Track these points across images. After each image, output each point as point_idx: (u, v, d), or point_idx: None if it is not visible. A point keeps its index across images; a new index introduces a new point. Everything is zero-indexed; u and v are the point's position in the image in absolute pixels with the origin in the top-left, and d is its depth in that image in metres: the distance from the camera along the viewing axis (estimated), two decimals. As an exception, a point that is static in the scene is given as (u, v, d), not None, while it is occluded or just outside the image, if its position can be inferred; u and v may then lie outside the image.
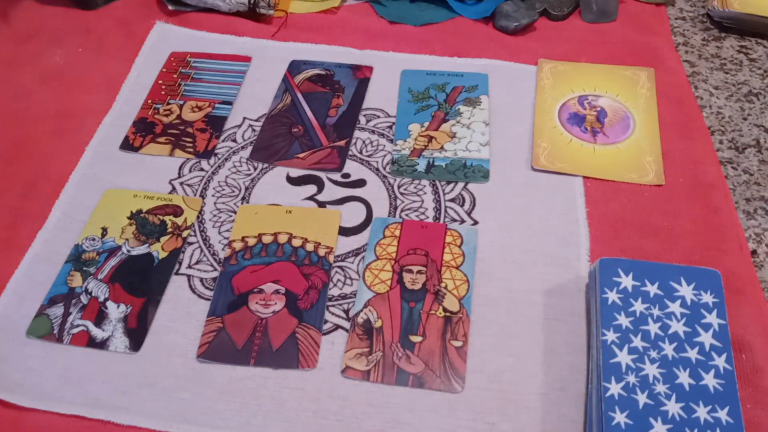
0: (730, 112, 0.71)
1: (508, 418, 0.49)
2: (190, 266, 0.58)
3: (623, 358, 0.47)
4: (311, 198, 0.63)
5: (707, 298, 0.49)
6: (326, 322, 0.54)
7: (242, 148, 0.67)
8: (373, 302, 0.55)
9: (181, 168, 0.65)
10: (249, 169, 0.65)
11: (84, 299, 0.55)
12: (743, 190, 0.64)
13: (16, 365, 0.52)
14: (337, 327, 0.54)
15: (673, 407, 0.45)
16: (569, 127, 0.68)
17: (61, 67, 0.76)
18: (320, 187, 0.64)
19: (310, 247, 0.58)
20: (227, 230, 0.60)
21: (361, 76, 0.74)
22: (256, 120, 0.70)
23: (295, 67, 0.75)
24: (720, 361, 0.46)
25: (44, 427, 0.49)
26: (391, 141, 0.68)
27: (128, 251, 0.58)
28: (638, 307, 0.49)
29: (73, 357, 0.52)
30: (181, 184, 0.64)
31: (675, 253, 0.58)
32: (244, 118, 0.70)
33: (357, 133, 0.68)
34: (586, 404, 0.49)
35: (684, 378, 0.46)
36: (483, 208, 0.62)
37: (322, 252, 0.58)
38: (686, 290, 0.50)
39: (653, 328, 0.48)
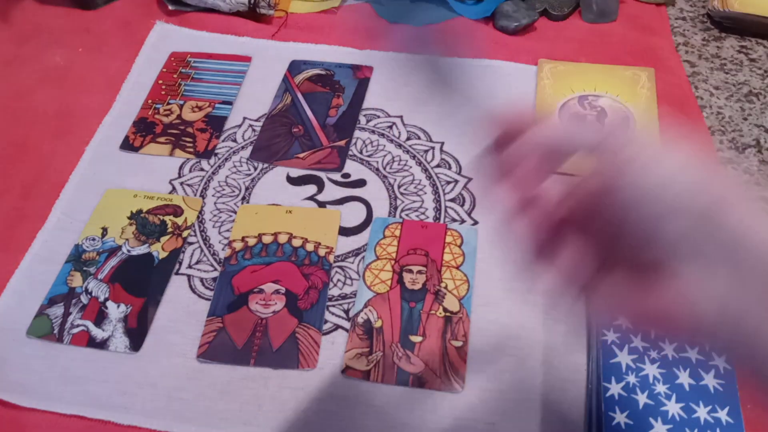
0: (730, 112, 0.71)
1: (508, 418, 0.49)
2: (190, 266, 0.58)
3: (623, 358, 0.47)
4: (311, 198, 0.63)
5: (707, 298, 0.49)
6: (326, 322, 0.54)
7: (242, 148, 0.67)
8: (373, 302, 0.55)
9: (181, 168, 0.65)
10: (249, 169, 0.65)
11: (84, 299, 0.55)
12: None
13: (16, 365, 0.52)
14: (337, 327, 0.54)
15: (673, 407, 0.45)
16: (569, 127, 0.68)
17: (61, 67, 0.76)
18: (320, 187, 0.64)
19: (310, 247, 0.58)
20: (227, 230, 0.60)
21: (361, 76, 0.74)
22: (256, 120, 0.70)
23: (295, 67, 0.75)
24: (720, 362, 0.46)
25: (44, 427, 0.49)
26: (392, 141, 0.68)
27: (128, 251, 0.58)
28: (638, 307, 0.49)
29: (73, 357, 0.52)
30: (181, 184, 0.64)
31: (675, 253, 0.58)
32: (244, 118, 0.70)
33: (357, 133, 0.68)
34: (586, 404, 0.49)
35: (684, 378, 0.46)
36: (483, 208, 0.61)
37: (322, 252, 0.58)
38: (686, 290, 0.50)
39: (653, 328, 0.48)
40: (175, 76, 0.75)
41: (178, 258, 0.58)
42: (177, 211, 0.62)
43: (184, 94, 0.73)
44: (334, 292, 0.56)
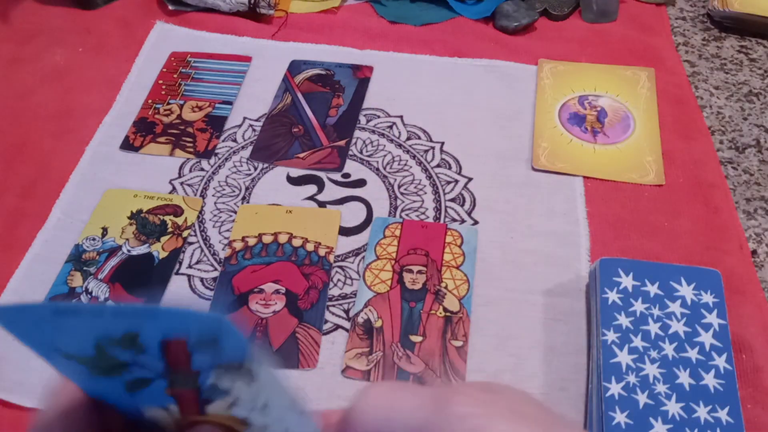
0: (730, 112, 0.71)
1: (508, 418, 0.49)
2: (190, 266, 0.58)
3: (623, 358, 0.47)
4: (311, 198, 0.63)
5: (707, 298, 0.49)
6: (326, 322, 0.54)
7: (242, 148, 0.67)
8: (373, 302, 0.55)
9: (181, 168, 0.65)
10: (249, 169, 0.65)
11: (84, 299, 0.55)
12: (743, 190, 0.64)
13: (16, 365, 0.52)
14: (338, 327, 0.54)
15: (673, 407, 0.45)
16: (569, 127, 0.68)
17: (62, 67, 0.76)
18: (320, 186, 0.64)
19: (310, 247, 0.58)
20: (227, 230, 0.60)
21: (361, 76, 0.74)
22: (257, 120, 0.70)
23: (295, 67, 0.75)
24: (720, 361, 0.46)
25: (44, 427, 0.49)
26: (392, 141, 0.68)
27: (128, 251, 0.58)
28: (638, 307, 0.49)
29: (73, 357, 0.52)
30: (182, 183, 0.64)
31: (675, 253, 0.58)
32: (245, 118, 0.70)
33: (357, 133, 0.68)
34: (586, 404, 0.49)
35: (684, 378, 0.46)
36: (483, 208, 0.62)
37: (322, 252, 0.58)
38: (686, 290, 0.50)
39: (653, 328, 0.48)
40: (175, 76, 0.75)
41: (178, 258, 0.58)
42: (177, 211, 0.62)
43: (184, 94, 0.73)
44: (334, 292, 0.56)
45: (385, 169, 0.65)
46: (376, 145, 0.67)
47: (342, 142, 0.67)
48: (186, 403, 0.22)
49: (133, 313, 0.19)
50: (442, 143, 0.67)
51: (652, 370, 0.46)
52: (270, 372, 0.21)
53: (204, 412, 0.22)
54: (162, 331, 0.19)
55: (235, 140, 0.68)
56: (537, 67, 0.75)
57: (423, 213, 0.61)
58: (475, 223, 0.60)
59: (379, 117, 0.70)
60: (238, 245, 0.59)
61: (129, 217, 0.61)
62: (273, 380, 0.22)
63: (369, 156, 0.66)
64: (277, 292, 0.55)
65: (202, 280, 0.57)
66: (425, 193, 0.63)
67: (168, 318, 0.19)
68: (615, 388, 0.46)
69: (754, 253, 0.59)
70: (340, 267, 0.58)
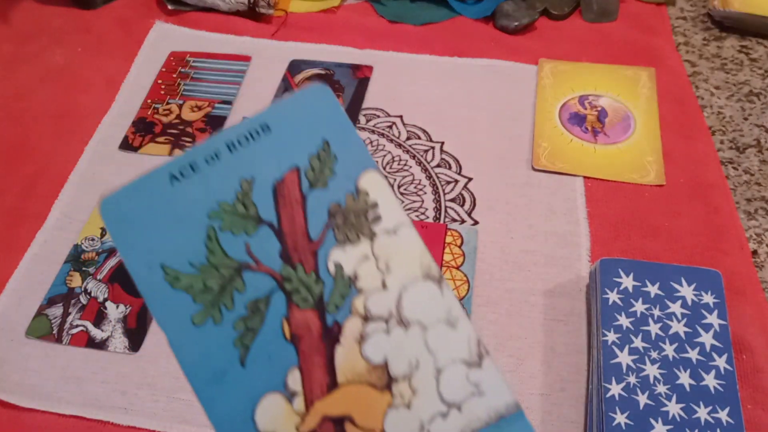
0: (730, 112, 0.71)
1: (508, 418, 0.49)
2: (189, 266, 0.58)
3: (624, 358, 0.47)
4: (311, 198, 0.63)
5: (708, 298, 0.49)
6: (326, 322, 0.54)
7: (242, 148, 0.67)
8: (372, 302, 0.55)
9: (180, 168, 0.65)
10: (249, 169, 0.65)
11: (83, 299, 0.55)
12: (744, 190, 0.64)
13: (16, 365, 0.52)
14: (337, 327, 0.54)
15: (673, 408, 0.45)
16: (570, 127, 0.68)
17: (61, 66, 0.76)
18: (320, 187, 0.64)
19: (309, 247, 0.58)
20: (227, 230, 0.60)
21: (361, 75, 0.74)
22: (256, 120, 0.70)
23: (295, 66, 0.75)
24: (720, 362, 0.46)
25: (43, 428, 0.48)
26: (392, 141, 0.68)
27: (128, 251, 0.58)
28: (639, 307, 0.49)
29: (72, 357, 0.52)
30: (181, 184, 0.64)
31: (675, 253, 0.58)
32: (244, 118, 0.70)
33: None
34: (586, 405, 0.49)
35: (684, 378, 0.46)
36: (483, 208, 0.61)
37: (321, 252, 0.58)
38: (687, 290, 0.50)
39: (654, 328, 0.48)
40: (174, 75, 0.75)
41: (178, 258, 0.58)
42: (176, 211, 0.61)
43: (183, 93, 0.72)
44: (333, 292, 0.56)
45: (384, 169, 0.65)
46: (375, 145, 0.67)
47: (342, 142, 0.67)
48: (310, 343, 0.19)
49: (243, 130, 0.20)
50: (442, 143, 0.67)
51: (652, 370, 0.46)
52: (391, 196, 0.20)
53: (333, 353, 0.19)
54: (275, 160, 0.19)
55: (234, 140, 0.68)
56: (537, 66, 0.75)
57: (423, 213, 0.61)
58: (475, 223, 0.60)
59: (378, 117, 0.70)
60: (238, 245, 0.58)
61: (128, 217, 0.61)
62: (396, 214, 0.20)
63: (369, 156, 0.66)
64: (276, 292, 0.55)
65: (201, 280, 0.57)
66: (425, 193, 0.63)
67: (283, 116, 0.20)
68: (615, 389, 0.45)
69: (754, 253, 0.59)
70: (340, 267, 0.57)
